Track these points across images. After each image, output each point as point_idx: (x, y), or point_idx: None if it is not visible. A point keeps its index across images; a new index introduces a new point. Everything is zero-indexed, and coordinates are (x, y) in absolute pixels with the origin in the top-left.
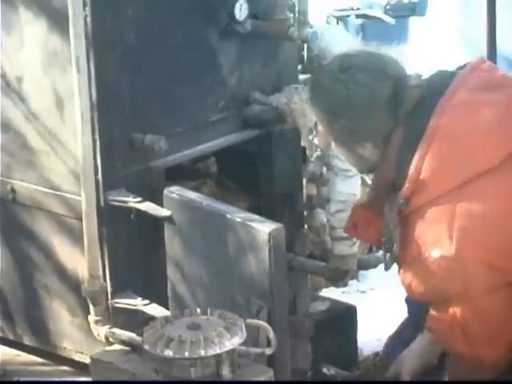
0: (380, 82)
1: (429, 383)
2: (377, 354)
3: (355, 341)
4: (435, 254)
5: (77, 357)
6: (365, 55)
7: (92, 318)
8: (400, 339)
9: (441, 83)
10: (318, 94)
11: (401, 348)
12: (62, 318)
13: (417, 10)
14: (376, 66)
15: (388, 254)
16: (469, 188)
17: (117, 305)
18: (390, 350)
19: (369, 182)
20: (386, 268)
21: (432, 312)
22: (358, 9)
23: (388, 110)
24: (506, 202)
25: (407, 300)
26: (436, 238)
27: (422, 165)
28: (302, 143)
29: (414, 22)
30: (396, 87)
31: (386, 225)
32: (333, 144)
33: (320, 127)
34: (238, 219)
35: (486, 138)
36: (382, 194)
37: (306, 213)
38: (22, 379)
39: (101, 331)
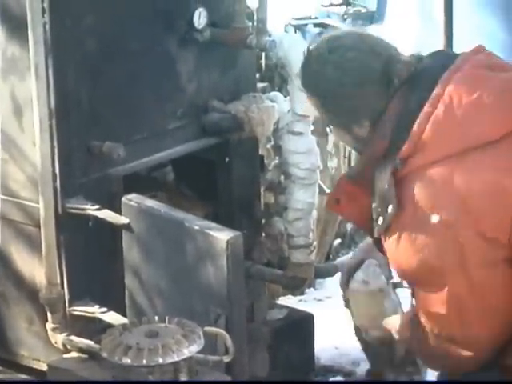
0: (371, 59)
1: (431, 383)
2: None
3: (312, 349)
4: (434, 218)
5: (34, 364)
6: (353, 35)
7: (49, 325)
8: None
9: (442, 61)
10: (309, 79)
11: None
12: (19, 325)
13: (375, 18)
14: (366, 44)
15: (380, 219)
16: (469, 157)
17: (74, 312)
18: None
19: (327, 190)
20: (377, 233)
21: (421, 293)
22: (316, 18)
23: (381, 86)
24: (503, 175)
25: None
26: (435, 203)
27: (426, 126)
28: (260, 151)
29: (372, 30)
30: (387, 64)
31: (378, 187)
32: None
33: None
34: (196, 227)
35: (489, 111)
36: (370, 167)
37: (263, 221)
38: None
39: (58, 339)
